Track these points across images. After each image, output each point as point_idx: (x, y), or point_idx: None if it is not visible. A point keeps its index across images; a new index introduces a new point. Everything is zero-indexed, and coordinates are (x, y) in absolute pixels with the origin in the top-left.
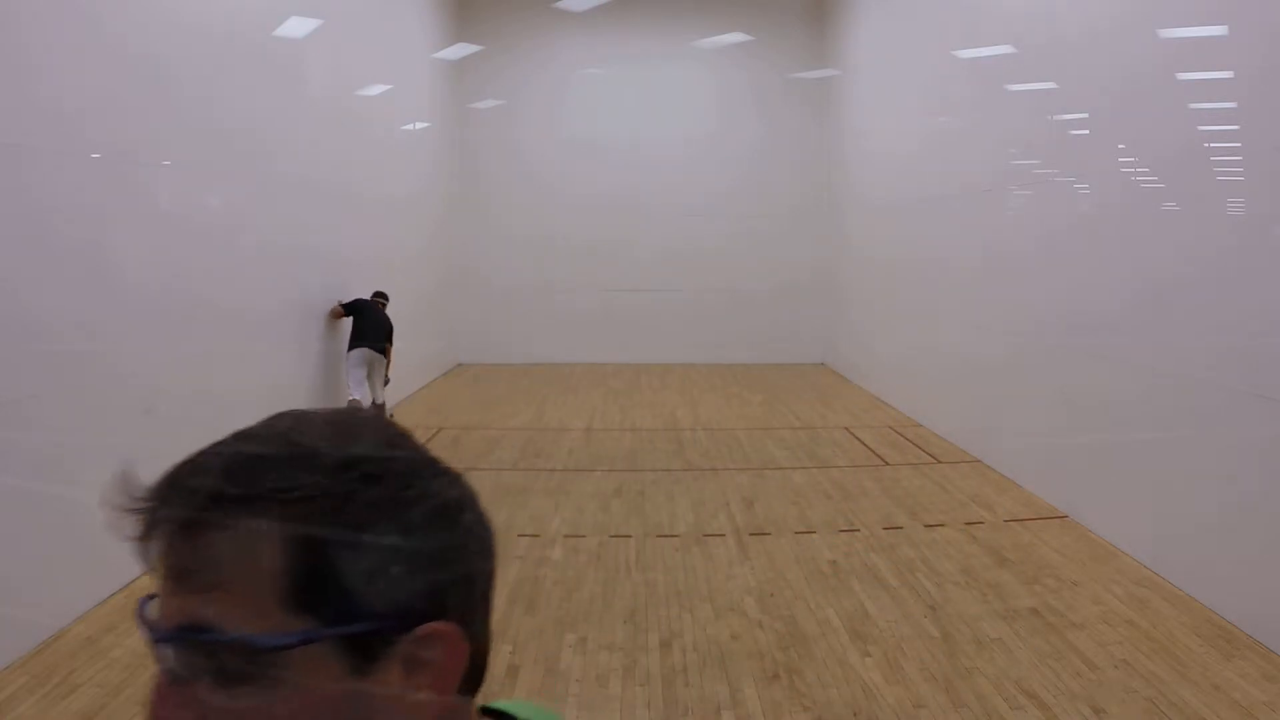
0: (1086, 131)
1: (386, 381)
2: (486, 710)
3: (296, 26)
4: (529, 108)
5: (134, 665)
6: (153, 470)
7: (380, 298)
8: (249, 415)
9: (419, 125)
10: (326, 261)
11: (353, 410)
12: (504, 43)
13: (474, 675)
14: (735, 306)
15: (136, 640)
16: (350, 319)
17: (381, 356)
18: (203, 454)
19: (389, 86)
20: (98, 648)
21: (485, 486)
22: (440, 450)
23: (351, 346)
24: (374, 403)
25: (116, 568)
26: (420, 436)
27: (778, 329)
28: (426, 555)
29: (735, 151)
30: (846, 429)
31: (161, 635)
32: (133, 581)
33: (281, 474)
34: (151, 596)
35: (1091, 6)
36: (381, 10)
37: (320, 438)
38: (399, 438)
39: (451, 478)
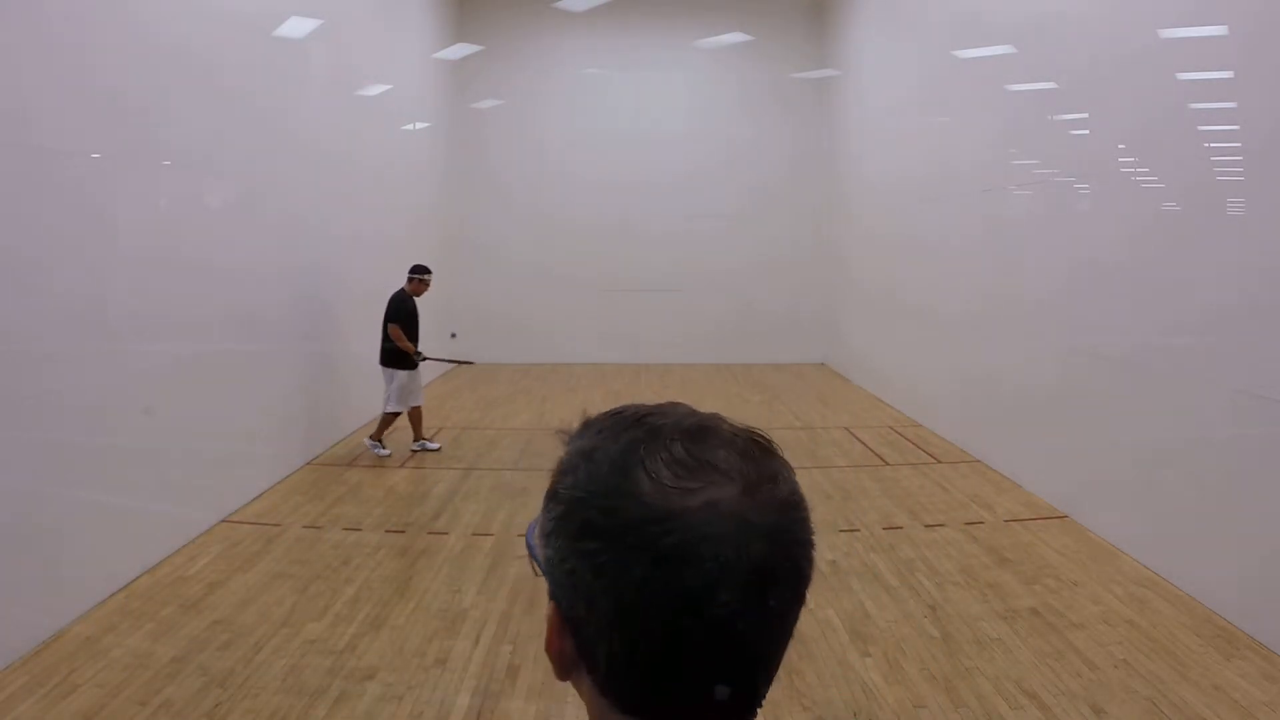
0: (1086, 131)
1: (423, 354)
2: None
3: (297, 27)
4: (529, 108)
5: (134, 665)
6: (151, 466)
7: (413, 273)
8: (247, 415)
9: (419, 125)
10: (326, 262)
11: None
12: (504, 43)
13: None
14: (735, 306)
15: (136, 640)
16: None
17: (385, 367)
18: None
19: (389, 86)
20: (98, 648)
21: (485, 486)
22: (440, 450)
23: None
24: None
25: (116, 568)
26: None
27: (778, 329)
28: None
29: (735, 151)
30: (846, 429)
31: None
32: (133, 581)
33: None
34: None
35: (1092, 6)
36: (381, 10)
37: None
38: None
39: None
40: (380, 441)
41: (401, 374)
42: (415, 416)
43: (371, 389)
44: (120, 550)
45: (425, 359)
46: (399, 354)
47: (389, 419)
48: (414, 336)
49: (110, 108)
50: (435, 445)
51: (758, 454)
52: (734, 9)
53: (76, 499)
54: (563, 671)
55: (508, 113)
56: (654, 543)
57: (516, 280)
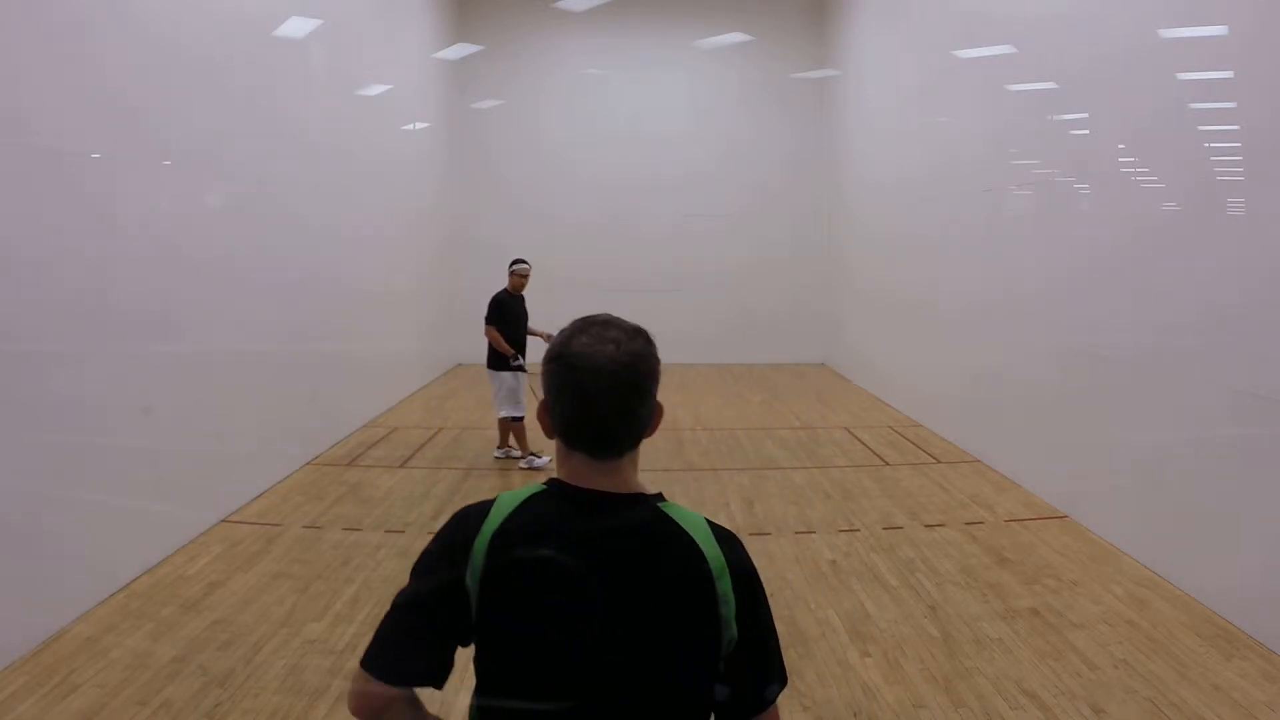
0: (1086, 131)
1: (519, 358)
2: (661, 505)
3: (297, 27)
4: (529, 108)
5: (134, 665)
6: (151, 466)
7: (510, 266)
8: (247, 415)
9: (419, 125)
10: (327, 261)
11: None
12: (504, 43)
13: None
14: (735, 306)
15: (136, 640)
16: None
17: (490, 369)
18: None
19: (389, 86)
20: (98, 648)
21: (486, 486)
22: (440, 450)
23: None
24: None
25: (116, 568)
26: (419, 437)
27: (778, 329)
28: None
29: (735, 151)
30: (846, 429)
31: None
32: (133, 581)
33: None
34: None
35: (1092, 6)
36: (382, 10)
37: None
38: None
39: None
40: (533, 453)
41: (506, 375)
42: (503, 427)
43: (372, 389)
44: (120, 550)
45: (522, 364)
46: (500, 355)
47: (505, 425)
48: (518, 337)
49: (110, 108)
50: (543, 459)
51: (630, 334)
52: (734, 9)
53: (76, 499)
54: (548, 431)
55: (508, 113)
56: (571, 364)
57: None
